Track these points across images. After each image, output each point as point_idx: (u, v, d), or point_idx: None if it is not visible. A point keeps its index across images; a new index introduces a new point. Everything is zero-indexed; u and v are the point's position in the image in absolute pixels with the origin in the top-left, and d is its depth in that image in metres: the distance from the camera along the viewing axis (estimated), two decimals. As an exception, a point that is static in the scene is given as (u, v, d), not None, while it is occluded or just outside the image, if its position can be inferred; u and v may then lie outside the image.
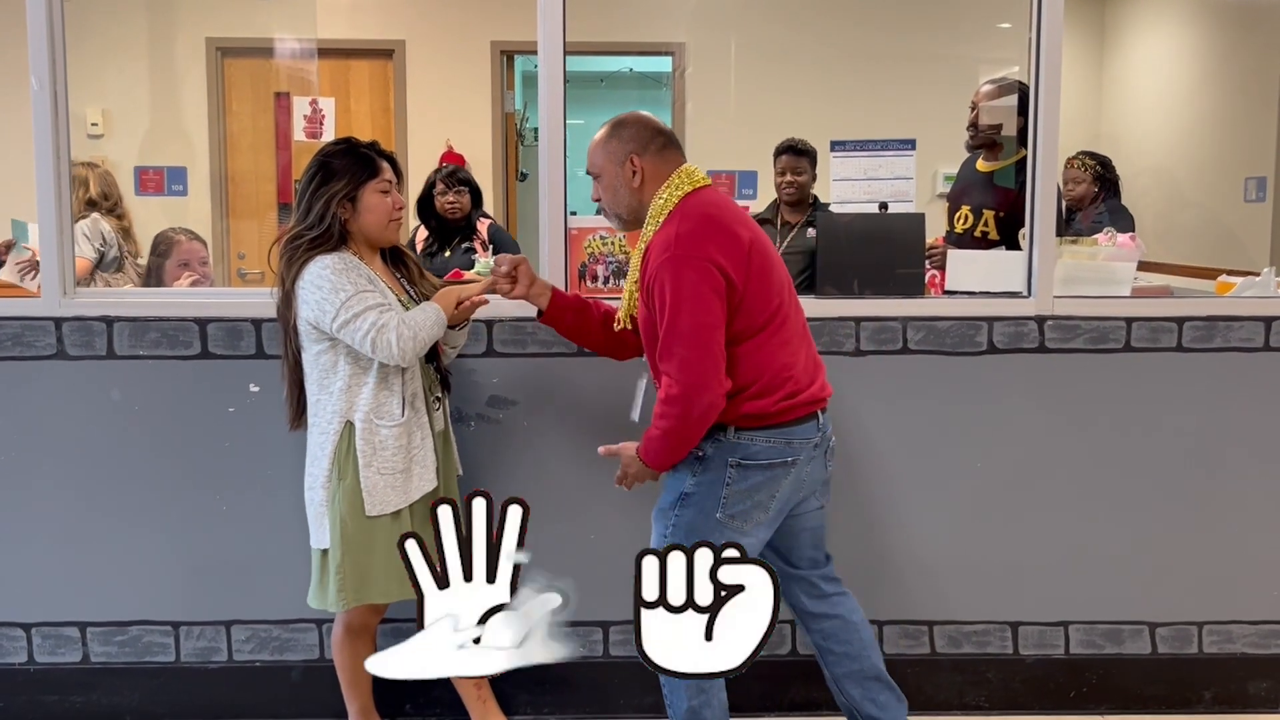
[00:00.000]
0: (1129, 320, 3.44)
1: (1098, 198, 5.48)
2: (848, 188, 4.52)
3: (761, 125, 6.24)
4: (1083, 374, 3.45)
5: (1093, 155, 5.62)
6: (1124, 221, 5.26)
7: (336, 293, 2.80)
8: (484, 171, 6.92)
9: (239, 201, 6.57)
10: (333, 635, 3.14)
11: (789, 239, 4.81)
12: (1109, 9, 8.92)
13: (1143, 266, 6.54)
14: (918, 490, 3.49)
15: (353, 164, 2.92)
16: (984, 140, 4.47)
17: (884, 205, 4.10)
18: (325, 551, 2.95)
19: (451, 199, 4.57)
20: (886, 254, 3.58)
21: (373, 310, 2.81)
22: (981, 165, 4.51)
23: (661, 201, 2.78)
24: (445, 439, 3.09)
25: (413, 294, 3.04)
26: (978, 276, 3.57)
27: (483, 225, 4.71)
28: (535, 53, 3.48)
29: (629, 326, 2.93)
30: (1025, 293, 3.50)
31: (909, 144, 4.54)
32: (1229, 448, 3.47)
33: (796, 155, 4.81)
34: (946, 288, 3.63)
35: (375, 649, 3.25)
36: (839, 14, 6.84)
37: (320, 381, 2.91)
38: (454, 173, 4.66)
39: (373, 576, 2.92)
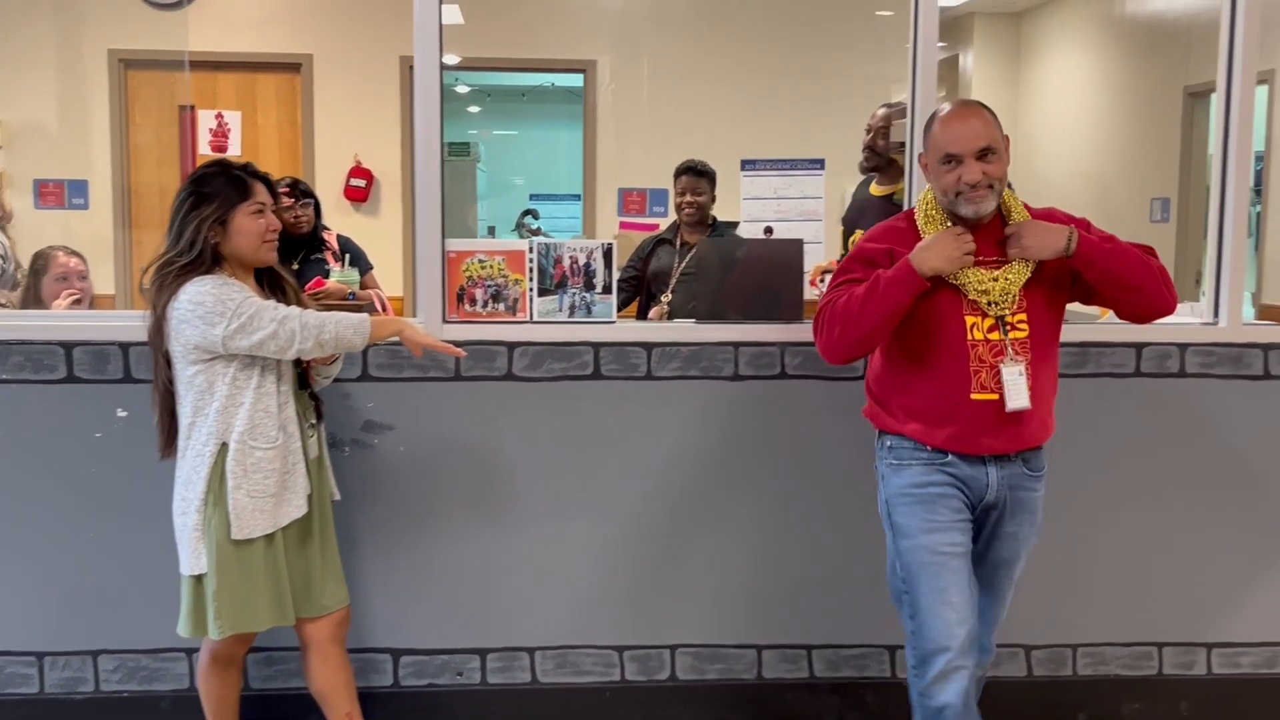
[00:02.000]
0: (1003, 346, 3.47)
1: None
2: (758, 206, 4.55)
3: (674, 143, 6.25)
4: (958, 399, 3.47)
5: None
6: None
7: (222, 304, 2.75)
8: (393, 187, 6.88)
9: (143, 215, 6.48)
10: (199, 665, 3.09)
11: (687, 260, 4.82)
12: (1025, 27, 9.05)
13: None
14: (797, 513, 3.50)
15: (224, 186, 2.88)
16: (878, 164, 4.51)
17: (769, 229, 4.12)
18: (198, 578, 2.89)
19: (298, 213, 4.50)
20: (766, 279, 3.59)
21: (268, 308, 2.79)
22: (875, 189, 4.55)
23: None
24: (319, 465, 3.05)
25: None
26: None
27: (330, 236, 4.65)
28: (445, 68, 3.45)
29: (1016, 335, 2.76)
30: (902, 318, 3.52)
31: (818, 163, 4.58)
32: (1100, 471, 3.52)
33: (696, 176, 4.82)
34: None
35: (243, 678, 3.21)
36: (751, 33, 6.87)
37: (195, 404, 2.86)
38: (295, 185, 4.59)
39: (249, 604, 2.87)
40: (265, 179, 2.98)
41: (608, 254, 3.47)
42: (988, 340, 2.71)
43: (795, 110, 6.67)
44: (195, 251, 2.83)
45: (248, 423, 2.82)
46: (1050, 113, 8.66)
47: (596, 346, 3.42)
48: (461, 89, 11.06)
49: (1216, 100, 3.61)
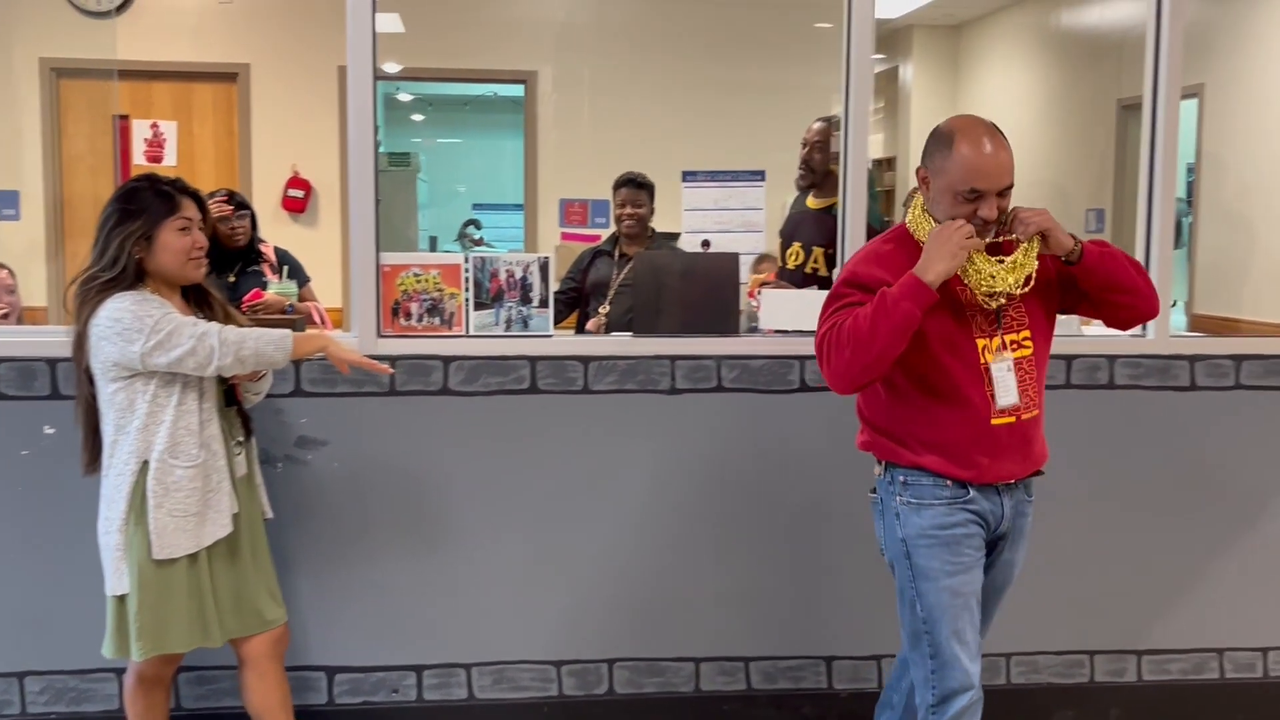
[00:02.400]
0: (936, 358, 3.50)
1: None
2: (699, 218, 4.56)
3: (615, 154, 6.26)
4: (892, 411, 3.50)
5: None
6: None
7: (140, 320, 2.71)
8: (332, 197, 6.83)
9: (76, 225, 6.38)
10: (125, 686, 3.04)
11: (625, 271, 4.82)
12: (963, 40, 9.15)
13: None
14: (734, 526, 3.51)
15: (151, 202, 2.84)
16: (814, 179, 4.54)
17: (706, 243, 4.13)
18: (121, 598, 2.85)
19: (234, 224, 4.46)
20: (703, 292, 3.60)
21: (187, 324, 2.75)
22: (811, 202, 4.58)
23: None
24: (249, 483, 3.02)
25: None
26: (790, 315, 3.61)
27: (268, 248, 4.61)
28: (384, 78, 3.43)
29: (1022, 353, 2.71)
30: (837, 331, 3.55)
31: (759, 175, 4.59)
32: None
33: (636, 188, 4.82)
34: (761, 326, 3.66)
35: (170, 698, 3.16)
36: (692, 45, 6.90)
37: (117, 422, 2.82)
38: (231, 196, 4.54)
39: (171, 624, 2.83)
40: (195, 195, 2.94)
41: (544, 267, 3.46)
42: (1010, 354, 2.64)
43: (736, 122, 6.70)
44: (119, 268, 2.80)
45: (168, 441, 2.79)
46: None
47: (533, 360, 3.41)
48: (404, 98, 11.00)
49: (1144, 113, 3.67)
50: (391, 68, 7.35)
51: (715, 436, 3.48)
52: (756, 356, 3.48)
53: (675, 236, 4.71)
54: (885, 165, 9.62)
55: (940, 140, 2.58)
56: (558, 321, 4.08)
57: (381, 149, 8.25)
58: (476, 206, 9.83)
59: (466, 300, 3.42)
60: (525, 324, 3.44)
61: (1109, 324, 2.76)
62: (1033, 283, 2.59)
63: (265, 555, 3.04)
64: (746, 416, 3.48)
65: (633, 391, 3.45)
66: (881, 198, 9.42)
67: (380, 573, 3.41)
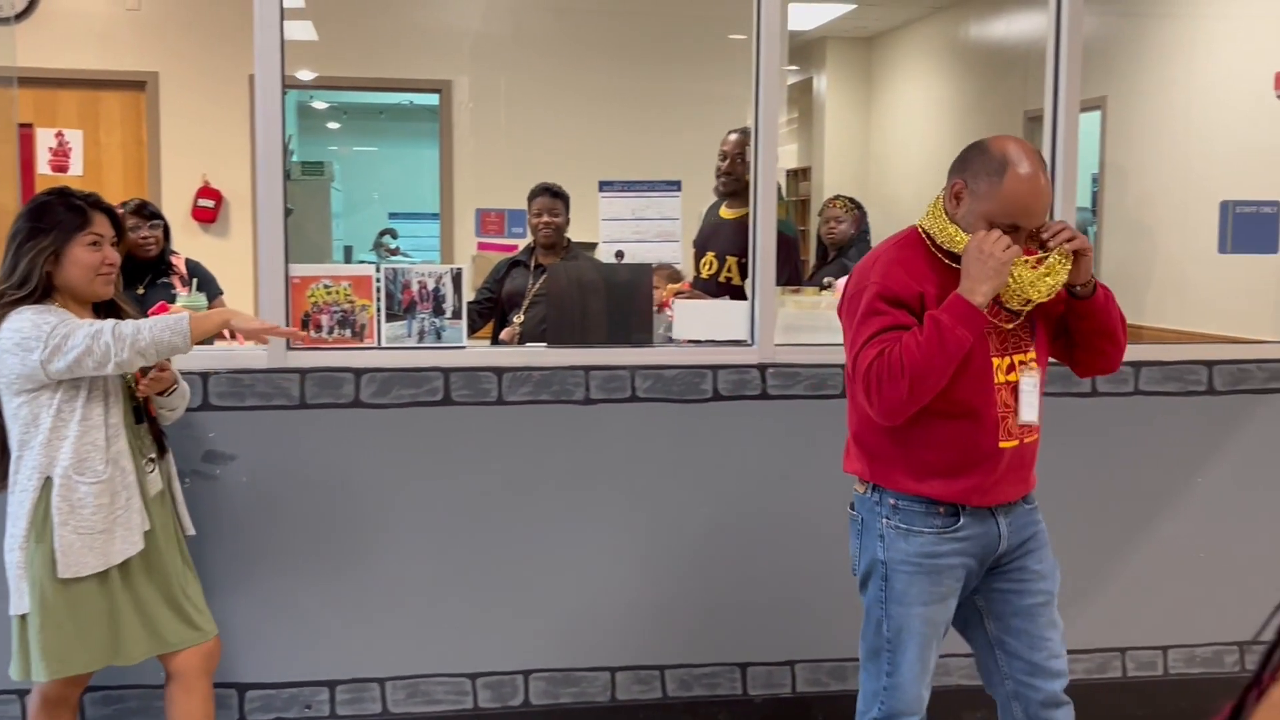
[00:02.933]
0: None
1: (855, 239, 5.67)
2: (616, 227, 4.57)
3: (532, 163, 6.25)
4: (803, 419, 3.55)
5: (850, 199, 5.83)
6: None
7: (38, 329, 2.66)
8: (243, 207, 6.74)
9: (-23, 236, 6.21)
10: (30, 707, 2.97)
11: (540, 282, 4.82)
12: (875, 52, 9.28)
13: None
14: (648, 535, 3.52)
15: (62, 217, 2.79)
16: (737, 188, 4.58)
17: (620, 254, 4.14)
18: (23, 618, 2.79)
19: (145, 234, 4.38)
20: (615, 303, 3.61)
21: (81, 326, 2.69)
22: (725, 212, 4.62)
23: None
24: (163, 501, 2.98)
25: None
26: (703, 325, 3.64)
27: (179, 260, 4.54)
28: (297, 86, 3.40)
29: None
30: (749, 341, 3.59)
31: (675, 185, 4.61)
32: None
33: (552, 197, 4.82)
34: (674, 335, 3.69)
35: (79, 719, 3.09)
36: (608, 55, 6.92)
37: (21, 436, 2.76)
38: (143, 206, 4.46)
39: (76, 644, 2.77)
40: (109, 210, 2.89)
41: (457, 278, 3.45)
42: (1008, 382, 2.54)
43: (653, 132, 6.73)
44: (30, 286, 2.75)
45: (73, 456, 2.73)
46: (900, 134, 8.91)
47: (446, 372, 3.40)
48: (320, 106, 10.89)
49: (1045, 125, 3.76)
50: (305, 75, 7.27)
51: (630, 446, 3.50)
52: (670, 366, 3.51)
53: (592, 246, 4.72)
54: (800, 175, 9.73)
55: (989, 164, 2.47)
56: (473, 331, 4.07)
57: (295, 157, 8.18)
58: (393, 216, 9.76)
59: (378, 312, 3.40)
60: (438, 335, 3.43)
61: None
62: (1054, 294, 2.51)
63: (189, 571, 2.99)
64: (661, 426, 3.50)
65: (547, 402, 3.45)
66: (797, 207, 9.53)
67: (291, 588, 3.37)
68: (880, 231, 7.96)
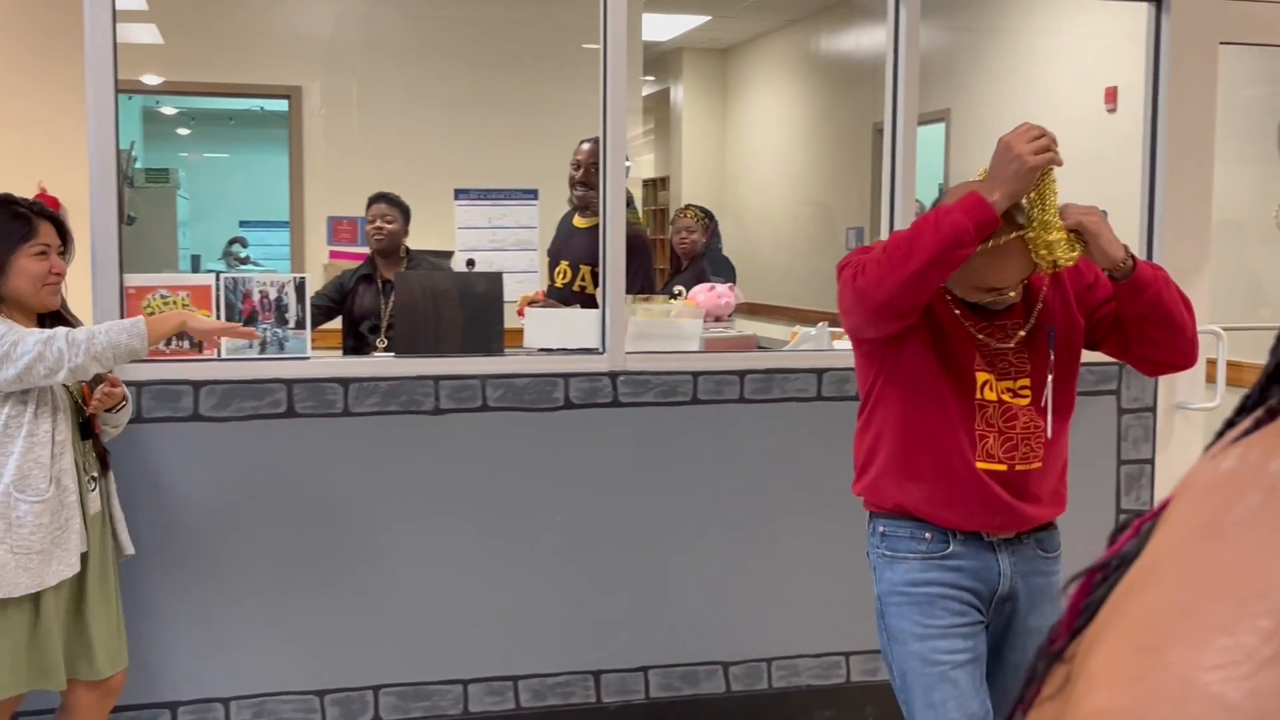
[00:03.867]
0: (695, 374, 3.59)
1: (707, 248, 5.74)
2: (472, 236, 4.54)
3: (385, 171, 6.17)
4: (654, 426, 3.57)
5: (701, 208, 5.89)
6: (726, 271, 5.54)
7: None
8: (82, 214, 6.50)
9: None
10: None
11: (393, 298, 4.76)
12: (730, 63, 9.41)
13: (756, 311, 6.93)
14: (502, 543, 3.50)
15: (6, 225, 2.71)
16: (590, 197, 4.59)
17: (471, 262, 4.12)
18: None
19: None
20: (465, 312, 3.59)
21: (31, 333, 2.59)
22: (578, 221, 4.63)
23: None
24: (103, 520, 2.86)
25: None
26: (555, 334, 3.64)
27: None
28: (140, 91, 3.30)
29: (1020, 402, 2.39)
30: (600, 349, 3.60)
31: (532, 194, 4.60)
32: (788, 492, 3.68)
33: (389, 204, 4.76)
34: (525, 344, 3.68)
35: None
36: (462, 63, 6.88)
37: None
38: None
39: (2, 666, 2.64)
40: (54, 219, 2.82)
41: (300, 287, 3.39)
42: (1001, 402, 2.32)
43: (509, 140, 6.70)
44: None
45: (16, 473, 2.62)
46: (754, 144, 9.06)
47: (289, 383, 3.33)
48: (168, 111, 10.59)
49: (885, 136, 3.87)
50: (151, 80, 7.06)
51: (481, 456, 3.48)
52: (521, 375, 3.50)
53: (449, 255, 4.68)
54: (659, 185, 9.81)
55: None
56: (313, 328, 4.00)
57: (139, 164, 7.93)
58: (243, 224, 9.54)
59: (218, 322, 3.32)
60: (281, 346, 3.36)
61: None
62: (1073, 261, 2.22)
63: (115, 598, 2.89)
64: (512, 435, 3.49)
65: (395, 413, 3.41)
66: (655, 217, 9.60)
67: (128, 607, 3.25)
68: (734, 239, 8.09)
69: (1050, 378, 2.36)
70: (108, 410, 2.88)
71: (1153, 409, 3.91)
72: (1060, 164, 2.19)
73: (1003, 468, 2.32)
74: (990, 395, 2.32)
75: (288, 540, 3.36)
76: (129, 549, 2.95)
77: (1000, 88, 6.42)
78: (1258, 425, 0.56)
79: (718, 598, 3.66)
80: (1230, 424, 0.60)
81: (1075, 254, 2.20)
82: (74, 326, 2.84)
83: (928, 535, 2.36)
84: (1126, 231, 4.03)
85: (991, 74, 6.51)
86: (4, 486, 2.64)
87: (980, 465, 2.31)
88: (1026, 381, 2.35)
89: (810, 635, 3.74)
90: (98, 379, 2.82)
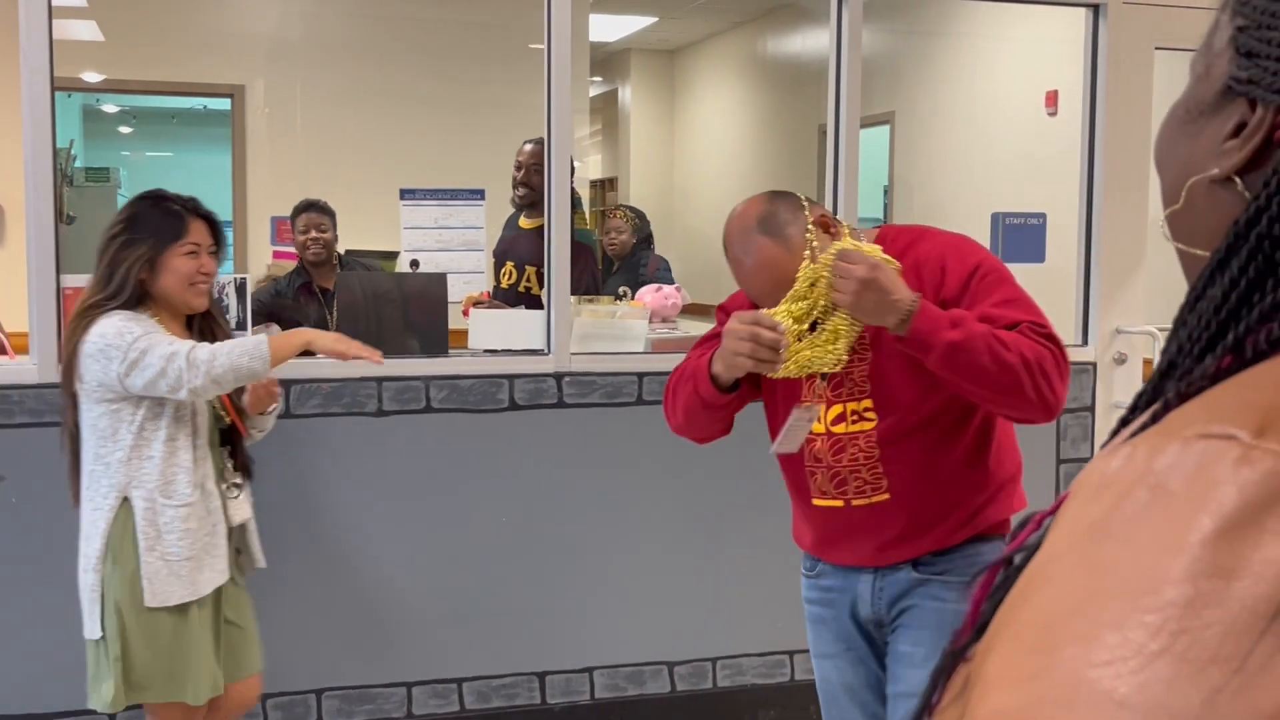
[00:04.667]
0: (641, 375, 3.60)
1: (638, 247, 5.74)
2: (418, 236, 4.51)
3: (330, 170, 6.14)
4: (599, 427, 3.57)
5: (631, 208, 5.90)
6: (664, 273, 5.54)
7: (121, 338, 2.54)
8: (20, 215, 6.39)
9: None
10: None
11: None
12: (677, 64, 9.43)
13: (703, 312, 6.94)
14: (446, 546, 3.49)
15: (158, 224, 2.67)
16: (535, 199, 4.58)
17: (415, 263, 4.10)
18: (96, 643, 2.63)
19: None
20: (409, 313, 3.58)
21: (161, 344, 2.55)
22: (524, 222, 4.62)
23: None
24: (245, 531, 2.81)
25: None
26: (500, 335, 3.63)
27: None
28: (81, 89, 3.25)
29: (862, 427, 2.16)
30: (545, 350, 3.59)
31: (478, 194, 4.58)
32: (729, 494, 3.69)
33: (319, 212, 4.70)
34: (470, 345, 3.67)
35: None
36: (407, 62, 6.84)
37: (96, 450, 2.61)
38: None
39: (150, 675, 2.61)
40: (208, 217, 2.76)
41: (241, 288, 3.36)
42: (829, 434, 2.14)
43: (455, 140, 6.68)
44: (123, 295, 2.63)
45: (159, 478, 2.59)
46: (702, 145, 9.08)
47: (231, 385, 3.29)
48: (110, 109, 10.44)
49: (828, 138, 3.89)
50: (92, 78, 6.96)
51: (425, 457, 3.46)
52: (466, 376, 3.49)
53: (394, 255, 4.65)
54: (607, 185, 9.81)
55: None
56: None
57: (79, 163, 7.81)
58: (187, 224, 9.43)
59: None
60: (222, 347, 3.32)
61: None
62: (844, 358, 2.09)
63: (249, 606, 2.86)
64: (456, 436, 3.48)
65: (338, 414, 3.39)
66: (602, 218, 9.60)
67: (61, 611, 3.20)
68: (681, 241, 8.09)
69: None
70: (260, 413, 2.83)
71: (1091, 408, 3.97)
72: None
73: (838, 504, 2.16)
74: (818, 429, 2.14)
75: (229, 543, 3.32)
76: (261, 561, 2.89)
77: (944, 91, 6.48)
78: (1154, 420, 0.57)
79: (662, 598, 3.66)
80: (1124, 421, 0.61)
81: (839, 352, 2.06)
82: (222, 329, 2.82)
83: (805, 554, 2.33)
84: (1065, 233, 4.10)
85: (935, 77, 6.57)
86: (146, 492, 2.60)
87: (817, 502, 2.19)
88: (869, 403, 2.12)
89: (755, 634, 3.75)
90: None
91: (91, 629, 2.64)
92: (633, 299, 4.48)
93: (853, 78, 3.74)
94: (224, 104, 7.11)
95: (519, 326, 3.67)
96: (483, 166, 5.17)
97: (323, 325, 4.52)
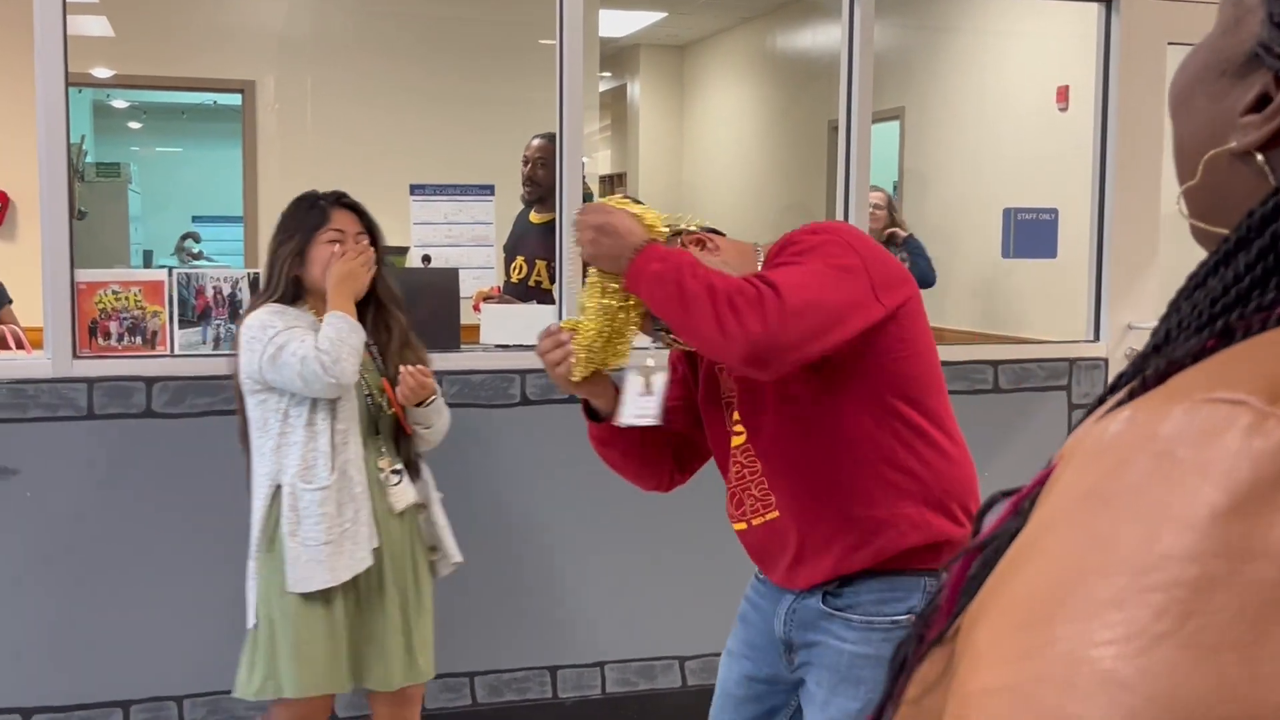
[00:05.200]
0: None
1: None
2: (428, 231, 4.52)
3: (340, 166, 6.13)
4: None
5: (632, 198, 5.87)
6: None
7: (264, 330, 2.65)
8: (33, 210, 6.41)
9: None
10: None
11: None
12: (687, 60, 9.42)
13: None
14: (458, 540, 3.49)
15: (303, 217, 2.79)
16: (542, 193, 4.59)
17: (427, 258, 4.11)
18: (253, 631, 2.70)
19: None
20: (422, 308, 3.57)
21: (294, 342, 2.62)
22: (534, 217, 4.63)
23: None
24: (406, 520, 2.82)
25: (381, 365, 2.83)
26: (511, 330, 3.64)
27: None
28: (90, 84, 3.26)
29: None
30: (556, 344, 3.59)
31: (488, 189, 4.59)
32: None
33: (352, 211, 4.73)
34: (482, 340, 3.68)
35: None
36: (417, 57, 6.85)
37: (255, 441, 2.73)
38: None
39: (293, 665, 2.63)
40: (354, 206, 2.84)
41: (254, 284, 3.37)
42: (733, 449, 2.02)
43: (465, 135, 6.68)
44: (273, 287, 2.77)
45: (300, 463, 2.64)
46: (711, 141, 9.08)
47: (244, 379, 3.30)
48: (119, 105, 10.46)
49: (840, 134, 3.89)
50: (102, 73, 6.97)
51: (437, 452, 3.46)
52: (478, 371, 3.49)
53: (404, 251, 4.66)
54: (616, 181, 9.81)
55: None
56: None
57: (90, 158, 7.83)
58: (196, 219, 9.44)
59: (170, 318, 3.29)
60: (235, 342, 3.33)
61: None
62: (626, 342, 1.97)
63: (423, 601, 2.83)
64: (468, 431, 3.48)
65: (350, 409, 3.39)
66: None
67: (78, 606, 3.22)
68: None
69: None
70: (417, 405, 2.83)
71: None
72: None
73: (743, 525, 2.03)
74: (736, 442, 2.00)
75: (243, 537, 3.32)
76: (456, 556, 2.92)
77: (955, 86, 6.47)
78: (1132, 396, 0.54)
79: (673, 592, 3.67)
80: (1101, 400, 0.58)
81: (626, 343, 1.95)
82: (394, 326, 2.87)
83: None
84: (1077, 229, 4.10)
85: (946, 72, 6.56)
86: (290, 477, 2.65)
87: (736, 527, 2.06)
88: (737, 414, 1.99)
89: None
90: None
91: (250, 617, 2.72)
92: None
93: (865, 72, 3.74)
94: (234, 99, 7.13)
95: (531, 321, 3.67)
96: (492, 162, 5.18)
97: None
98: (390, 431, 2.84)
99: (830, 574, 1.93)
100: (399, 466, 2.83)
